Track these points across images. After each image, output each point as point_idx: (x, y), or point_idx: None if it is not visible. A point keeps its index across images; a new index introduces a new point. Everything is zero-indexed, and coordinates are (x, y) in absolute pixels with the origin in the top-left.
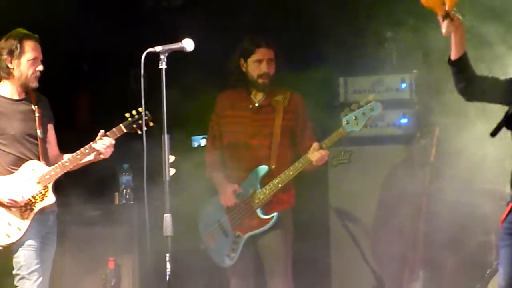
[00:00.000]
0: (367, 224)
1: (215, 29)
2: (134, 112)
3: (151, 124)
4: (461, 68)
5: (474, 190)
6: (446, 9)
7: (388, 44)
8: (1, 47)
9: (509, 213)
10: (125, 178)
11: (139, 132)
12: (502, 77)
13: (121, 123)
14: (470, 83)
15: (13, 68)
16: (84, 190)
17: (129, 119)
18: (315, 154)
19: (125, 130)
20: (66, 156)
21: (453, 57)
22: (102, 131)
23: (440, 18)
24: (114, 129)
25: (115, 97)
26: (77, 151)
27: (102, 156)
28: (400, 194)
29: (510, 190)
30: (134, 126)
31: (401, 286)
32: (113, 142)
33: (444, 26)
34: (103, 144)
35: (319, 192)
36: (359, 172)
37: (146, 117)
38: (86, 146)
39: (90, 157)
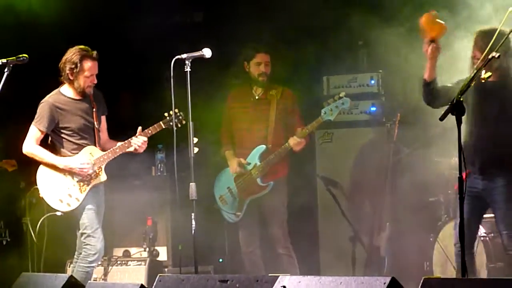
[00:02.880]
0: (346, 188)
1: (227, 39)
2: (171, 112)
3: (184, 122)
4: (432, 87)
5: (426, 161)
6: (435, 35)
7: (360, 50)
8: (65, 60)
9: (466, 179)
10: (160, 155)
11: (175, 128)
12: (449, 84)
13: (161, 120)
14: (436, 97)
15: (73, 79)
16: (129, 165)
17: (167, 118)
18: (293, 141)
19: (163, 127)
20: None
21: (428, 79)
22: (139, 128)
23: (427, 40)
24: (155, 125)
25: (151, 93)
26: (119, 144)
27: (137, 151)
28: (370, 165)
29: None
30: (171, 123)
31: (372, 236)
32: (146, 139)
33: (429, 48)
34: (138, 141)
35: (309, 164)
36: (339, 149)
37: (181, 117)
38: (127, 140)
39: (131, 149)
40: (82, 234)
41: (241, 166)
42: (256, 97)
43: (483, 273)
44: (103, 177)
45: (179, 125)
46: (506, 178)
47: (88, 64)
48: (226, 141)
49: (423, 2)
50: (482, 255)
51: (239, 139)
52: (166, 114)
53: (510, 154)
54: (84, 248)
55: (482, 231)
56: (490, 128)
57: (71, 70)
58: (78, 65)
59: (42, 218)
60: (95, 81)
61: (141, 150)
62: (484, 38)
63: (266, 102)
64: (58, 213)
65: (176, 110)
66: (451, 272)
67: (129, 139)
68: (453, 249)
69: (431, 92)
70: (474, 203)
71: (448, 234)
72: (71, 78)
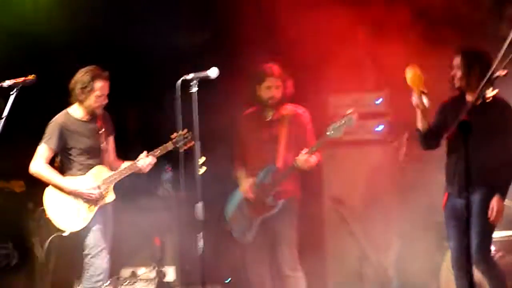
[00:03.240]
0: (353, 207)
1: (234, 58)
2: (180, 132)
3: (192, 143)
4: (427, 134)
5: (433, 180)
6: (422, 88)
7: (366, 69)
8: (76, 81)
9: (447, 200)
10: (167, 175)
11: (181, 150)
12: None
13: (169, 141)
14: (432, 141)
15: (84, 100)
16: (136, 185)
17: (175, 138)
18: (301, 158)
19: (169, 149)
20: (123, 165)
21: (424, 129)
22: (144, 153)
23: (417, 94)
24: (162, 146)
25: (159, 111)
26: (127, 165)
27: (141, 171)
28: (378, 184)
29: (446, 182)
30: (178, 146)
31: (380, 255)
32: (154, 161)
33: (424, 102)
34: (145, 162)
35: (315, 184)
36: (346, 168)
37: (189, 137)
38: (133, 161)
39: (137, 169)
40: (86, 255)
41: (252, 187)
42: (268, 118)
43: None
44: (111, 197)
45: (186, 147)
46: (483, 192)
47: (99, 84)
48: (238, 162)
49: (429, 20)
50: None
51: (250, 160)
52: (173, 136)
53: (490, 173)
54: (89, 268)
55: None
56: (470, 149)
57: (82, 89)
58: (90, 84)
59: (50, 238)
60: (106, 101)
61: (146, 170)
62: (466, 57)
63: (278, 123)
64: (65, 234)
65: (185, 131)
66: None
67: (136, 160)
68: None
69: (426, 139)
70: (462, 226)
71: None
72: (81, 98)
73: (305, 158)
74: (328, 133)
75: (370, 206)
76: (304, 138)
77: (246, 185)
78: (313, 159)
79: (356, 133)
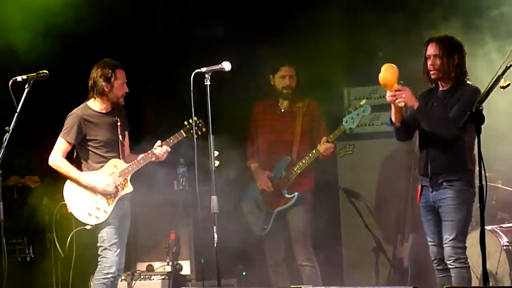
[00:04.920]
0: (368, 199)
1: (248, 53)
2: (191, 120)
3: (204, 129)
4: (400, 127)
5: None
6: (396, 86)
7: (380, 62)
8: (97, 76)
9: (421, 194)
10: (182, 169)
11: (195, 136)
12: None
13: (181, 129)
14: (406, 134)
15: (108, 91)
16: (151, 179)
17: (187, 126)
18: (323, 146)
19: (184, 135)
20: (139, 156)
21: (398, 122)
22: (158, 142)
23: (394, 92)
24: (176, 134)
25: (172, 108)
26: (142, 155)
27: (158, 158)
28: (392, 176)
29: (418, 174)
30: (192, 131)
31: (395, 247)
32: (169, 149)
33: (397, 97)
34: (160, 151)
35: (331, 176)
36: (361, 160)
37: (200, 124)
38: (149, 151)
39: (153, 158)
40: (99, 247)
41: (270, 180)
42: (282, 110)
43: (506, 282)
44: (129, 188)
45: (200, 133)
46: (454, 189)
47: (120, 72)
48: (252, 154)
49: (443, 13)
50: (505, 264)
51: (264, 151)
52: (186, 123)
53: (458, 162)
54: (100, 260)
55: (505, 240)
56: (439, 135)
57: (107, 82)
58: (113, 74)
59: (72, 233)
60: (127, 90)
61: (163, 159)
62: (445, 46)
63: (292, 114)
64: (88, 227)
65: (196, 118)
66: (474, 281)
67: (152, 149)
68: (475, 258)
69: (400, 132)
70: (434, 218)
71: (470, 243)
72: (107, 90)
73: (326, 146)
74: (343, 124)
75: (385, 198)
76: (318, 129)
77: (262, 178)
78: (332, 147)
79: (371, 125)
